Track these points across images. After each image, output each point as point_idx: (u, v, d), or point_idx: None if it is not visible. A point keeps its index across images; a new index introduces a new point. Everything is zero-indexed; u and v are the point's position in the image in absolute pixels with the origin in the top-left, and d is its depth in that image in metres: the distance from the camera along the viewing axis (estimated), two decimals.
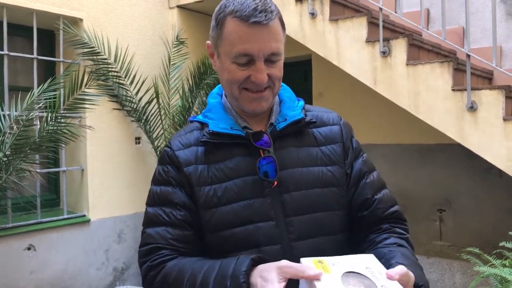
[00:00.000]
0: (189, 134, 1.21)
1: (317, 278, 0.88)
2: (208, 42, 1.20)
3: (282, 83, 1.23)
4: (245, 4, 1.06)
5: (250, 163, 1.12)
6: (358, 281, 0.88)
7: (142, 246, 1.16)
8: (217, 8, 1.13)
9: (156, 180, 1.20)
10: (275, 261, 0.97)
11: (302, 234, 1.11)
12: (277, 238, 1.10)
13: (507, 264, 2.50)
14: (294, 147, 1.18)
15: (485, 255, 2.63)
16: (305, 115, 1.21)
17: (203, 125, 1.21)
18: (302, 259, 0.95)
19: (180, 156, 1.17)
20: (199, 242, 1.14)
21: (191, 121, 1.26)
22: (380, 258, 1.03)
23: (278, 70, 1.12)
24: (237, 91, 1.12)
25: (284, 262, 0.93)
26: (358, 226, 1.20)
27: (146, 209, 1.20)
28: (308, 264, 0.92)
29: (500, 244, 2.69)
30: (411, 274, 0.94)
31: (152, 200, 1.19)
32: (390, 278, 0.89)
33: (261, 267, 0.96)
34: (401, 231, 1.21)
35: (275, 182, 1.12)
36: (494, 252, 2.70)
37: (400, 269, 0.91)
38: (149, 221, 1.17)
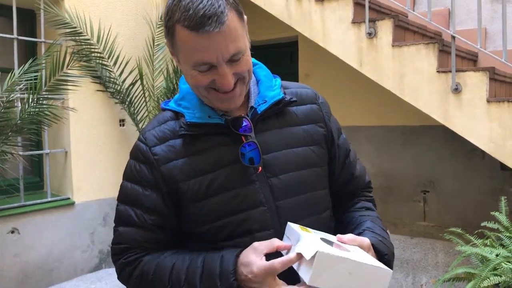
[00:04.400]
0: (163, 125, 1.14)
1: (287, 248, 1.00)
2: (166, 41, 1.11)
3: (257, 61, 1.20)
4: (191, 11, 0.96)
5: (233, 151, 1.09)
6: (330, 244, 1.00)
7: (114, 244, 1.15)
8: (164, 14, 1.04)
9: (127, 176, 1.15)
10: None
11: (292, 217, 1.11)
12: (269, 223, 1.10)
13: (488, 243, 2.55)
14: (276, 128, 1.15)
15: (467, 235, 2.68)
16: (284, 93, 1.18)
17: (177, 114, 1.14)
18: (289, 223, 1.07)
19: (157, 153, 1.10)
20: (172, 243, 1.14)
21: (163, 109, 1.19)
22: (351, 221, 1.24)
23: (244, 64, 1.04)
24: (205, 92, 1.06)
25: (256, 243, 1.01)
26: (340, 199, 1.29)
27: (117, 204, 1.16)
28: (294, 227, 1.04)
29: (482, 224, 2.74)
30: (364, 239, 1.07)
31: (123, 197, 1.15)
32: (340, 240, 1.03)
33: (241, 258, 1.02)
34: (367, 193, 1.35)
35: (260, 168, 1.10)
36: (476, 232, 2.75)
37: (350, 235, 1.06)
38: (120, 219, 1.15)
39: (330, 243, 1.00)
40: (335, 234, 1.08)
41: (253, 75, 1.17)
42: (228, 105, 1.08)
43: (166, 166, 1.09)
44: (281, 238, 1.07)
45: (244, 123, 1.11)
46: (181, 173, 1.09)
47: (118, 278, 1.17)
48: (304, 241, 0.96)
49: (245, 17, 1.06)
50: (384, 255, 1.09)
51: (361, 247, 1.03)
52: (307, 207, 1.15)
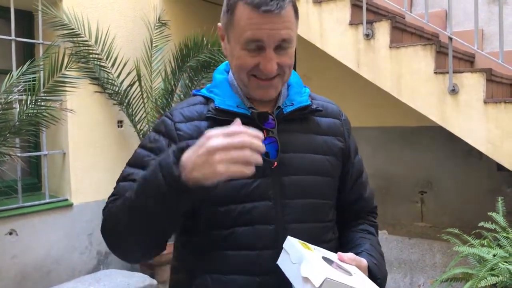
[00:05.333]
0: (192, 107, 1.19)
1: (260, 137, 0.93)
2: (219, 24, 1.17)
3: None
4: None
5: None
6: (330, 263, 1.02)
7: (110, 197, 1.17)
8: None
9: (142, 144, 1.20)
10: (270, 242, 1.09)
11: (296, 217, 1.14)
12: (272, 218, 1.12)
13: (485, 243, 2.57)
14: (298, 132, 1.19)
15: (464, 235, 2.70)
16: (311, 102, 1.22)
17: (207, 100, 1.19)
18: (289, 237, 1.06)
19: (181, 129, 1.14)
20: None
21: (195, 95, 1.24)
22: (352, 240, 1.28)
23: (288, 58, 1.11)
24: (246, 77, 1.11)
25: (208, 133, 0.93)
26: (345, 217, 1.33)
27: (125, 166, 1.20)
28: (294, 243, 1.03)
29: (479, 225, 2.75)
30: (362, 260, 1.11)
31: (131, 160, 1.19)
32: (340, 258, 1.07)
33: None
34: (373, 219, 1.39)
35: (275, 163, 1.13)
36: (473, 232, 2.76)
37: (350, 255, 1.09)
38: (122, 177, 1.18)
39: (330, 261, 1.03)
40: (335, 247, 1.17)
41: None
42: (264, 93, 1.13)
43: (187, 143, 1.08)
44: (281, 234, 1.10)
45: (269, 120, 1.15)
46: None
47: (101, 229, 1.16)
48: (308, 262, 0.98)
49: (298, 17, 1.14)
50: (377, 278, 1.13)
51: (359, 267, 1.08)
52: (311, 211, 1.17)
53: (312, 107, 1.21)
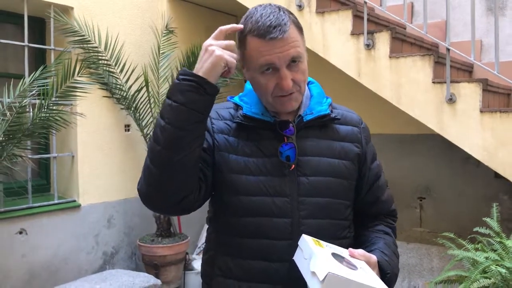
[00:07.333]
0: (226, 109, 1.37)
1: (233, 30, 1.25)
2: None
3: (314, 80, 1.40)
4: (260, 23, 1.20)
5: (274, 147, 1.27)
6: (340, 260, 1.11)
7: None
8: (238, 32, 1.27)
9: None
10: (285, 234, 1.23)
11: (310, 213, 1.26)
12: (288, 213, 1.25)
13: (479, 248, 2.65)
14: (316, 138, 1.32)
15: (459, 239, 2.77)
16: (331, 111, 1.35)
17: (238, 107, 1.35)
18: (303, 235, 1.19)
19: (215, 123, 1.32)
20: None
21: (228, 101, 1.41)
22: (367, 239, 1.37)
23: (301, 74, 1.25)
24: (271, 99, 1.26)
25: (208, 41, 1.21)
26: (363, 219, 1.43)
27: None
28: (308, 240, 1.15)
29: (474, 230, 2.83)
30: (372, 256, 1.20)
31: None
32: (351, 254, 1.17)
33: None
34: (391, 221, 1.47)
35: (293, 165, 1.26)
36: (468, 237, 2.84)
37: (360, 251, 1.20)
38: None
39: (341, 257, 1.12)
40: (349, 244, 1.27)
41: (308, 90, 1.37)
42: (286, 106, 1.28)
43: (218, 136, 1.29)
44: (296, 228, 1.23)
45: (289, 127, 1.30)
46: (227, 146, 1.27)
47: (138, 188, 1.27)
48: (317, 258, 1.07)
49: (303, 32, 1.29)
50: (386, 273, 1.21)
51: (368, 263, 1.17)
52: (325, 209, 1.29)
53: (331, 115, 1.34)
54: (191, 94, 1.13)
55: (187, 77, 1.14)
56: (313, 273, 1.04)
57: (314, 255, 1.08)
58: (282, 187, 1.25)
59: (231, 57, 1.17)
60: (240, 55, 1.27)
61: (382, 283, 1.10)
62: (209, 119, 1.31)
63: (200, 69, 1.16)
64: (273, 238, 1.24)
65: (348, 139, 1.37)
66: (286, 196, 1.25)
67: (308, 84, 1.40)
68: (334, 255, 1.12)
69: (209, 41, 1.19)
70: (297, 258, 1.17)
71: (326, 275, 1.01)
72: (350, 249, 1.20)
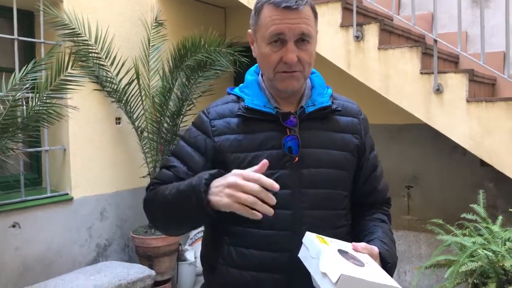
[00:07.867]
0: (224, 105, 1.37)
1: (273, 187, 1.10)
2: (249, 31, 1.35)
3: (315, 70, 1.42)
4: None
5: (277, 139, 1.29)
6: (346, 256, 1.13)
7: (154, 179, 1.38)
8: (256, 2, 1.30)
9: (185, 138, 1.39)
10: (287, 225, 1.27)
11: (312, 205, 1.30)
12: (290, 205, 1.28)
13: (467, 233, 2.74)
14: (318, 129, 1.35)
15: (448, 225, 2.86)
16: (332, 102, 1.37)
17: (239, 98, 1.36)
18: (307, 232, 1.20)
19: (215, 125, 1.33)
20: None
21: (229, 93, 1.42)
22: (365, 228, 1.39)
23: (308, 55, 1.26)
24: (272, 73, 1.28)
25: (238, 171, 1.15)
26: (360, 208, 1.45)
27: (168, 154, 1.44)
28: (312, 238, 1.16)
29: (461, 216, 2.92)
30: (374, 248, 1.22)
31: (174, 151, 1.39)
32: (355, 248, 1.19)
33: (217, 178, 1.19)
34: (386, 208, 1.52)
35: (296, 158, 1.29)
36: (456, 224, 2.93)
37: (363, 244, 1.21)
38: (165, 164, 1.38)
39: (346, 253, 1.14)
40: (347, 232, 1.33)
41: (309, 81, 1.39)
42: (288, 84, 1.29)
43: (219, 138, 1.31)
44: (298, 219, 1.26)
45: (291, 119, 1.30)
46: (230, 146, 1.29)
47: (143, 204, 1.37)
48: (326, 257, 1.08)
49: (317, 18, 1.31)
50: (387, 263, 1.25)
51: (371, 255, 1.20)
52: (327, 200, 1.32)
53: (332, 107, 1.36)
54: (196, 209, 1.19)
55: (203, 202, 1.16)
56: (324, 274, 1.06)
57: (323, 254, 1.09)
58: (286, 179, 1.26)
59: (246, 200, 1.10)
60: (253, 24, 1.30)
61: (390, 277, 1.12)
62: (208, 121, 1.34)
63: (219, 201, 1.14)
64: (275, 229, 1.26)
65: (348, 130, 1.39)
66: (288, 188, 1.26)
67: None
68: (340, 251, 1.13)
69: (233, 179, 1.12)
70: (303, 256, 1.17)
71: (339, 277, 1.01)
72: (353, 243, 1.21)
